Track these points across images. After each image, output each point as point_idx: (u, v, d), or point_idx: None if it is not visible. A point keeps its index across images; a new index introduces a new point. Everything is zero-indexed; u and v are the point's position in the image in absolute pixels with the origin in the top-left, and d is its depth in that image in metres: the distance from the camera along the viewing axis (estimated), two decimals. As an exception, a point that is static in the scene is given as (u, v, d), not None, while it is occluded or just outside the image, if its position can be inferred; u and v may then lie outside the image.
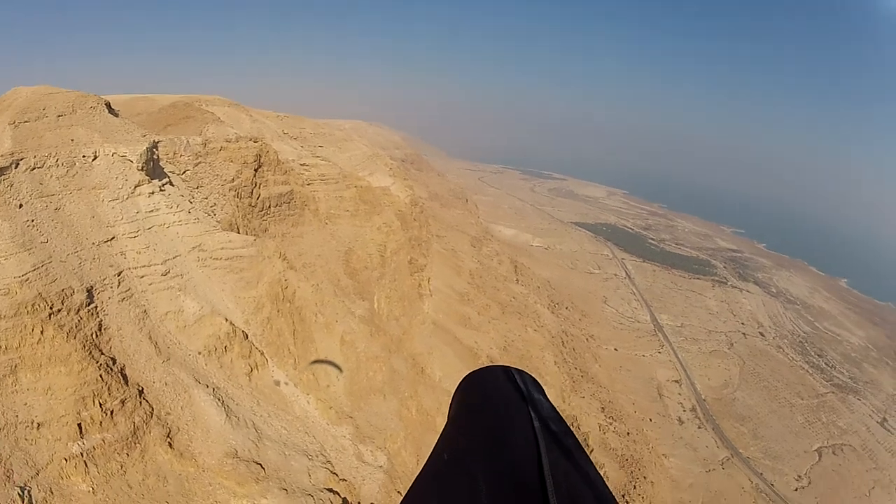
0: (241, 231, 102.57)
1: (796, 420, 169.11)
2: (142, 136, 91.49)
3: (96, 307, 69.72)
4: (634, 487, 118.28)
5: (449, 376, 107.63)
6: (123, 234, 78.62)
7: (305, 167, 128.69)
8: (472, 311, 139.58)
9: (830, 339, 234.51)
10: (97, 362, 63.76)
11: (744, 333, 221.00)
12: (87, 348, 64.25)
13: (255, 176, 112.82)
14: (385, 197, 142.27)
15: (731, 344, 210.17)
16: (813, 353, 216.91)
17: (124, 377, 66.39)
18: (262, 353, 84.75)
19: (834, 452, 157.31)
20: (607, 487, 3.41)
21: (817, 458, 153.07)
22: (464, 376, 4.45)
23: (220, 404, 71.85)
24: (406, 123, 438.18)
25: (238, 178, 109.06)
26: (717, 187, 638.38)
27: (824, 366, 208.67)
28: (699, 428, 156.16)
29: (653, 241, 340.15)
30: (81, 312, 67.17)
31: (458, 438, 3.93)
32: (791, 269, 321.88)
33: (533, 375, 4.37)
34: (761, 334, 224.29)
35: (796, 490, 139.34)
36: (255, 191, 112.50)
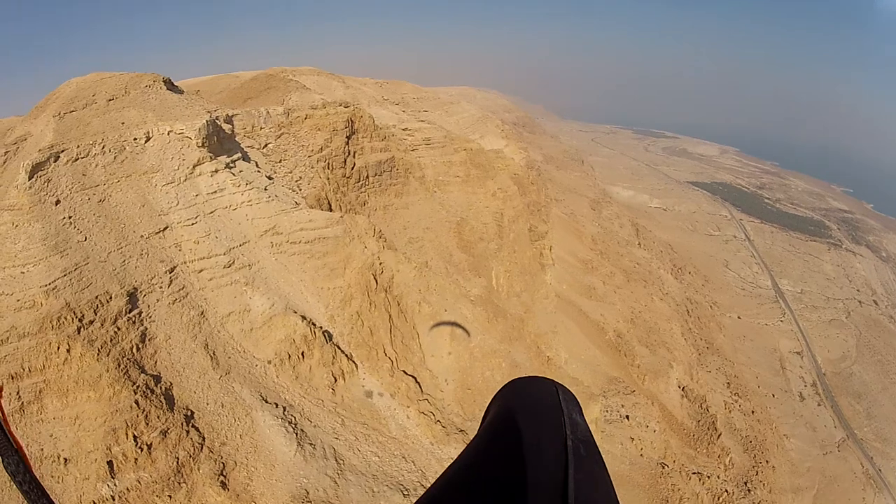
0: (333, 206, 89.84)
1: None
2: (204, 111, 78.13)
3: (140, 313, 56.61)
4: (757, 473, 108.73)
5: (575, 357, 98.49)
6: (179, 223, 65.14)
7: (408, 132, 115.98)
8: (596, 281, 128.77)
9: None
10: (134, 384, 50.97)
11: (859, 301, 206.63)
12: (121, 367, 51.69)
13: (347, 144, 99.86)
14: (498, 160, 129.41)
15: (849, 313, 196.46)
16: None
17: (169, 400, 52.92)
18: (349, 358, 68.49)
19: None
20: None
21: None
22: (506, 383, 4.11)
23: (290, 429, 56.85)
24: (515, 88, 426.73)
25: (328, 146, 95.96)
26: (827, 145, 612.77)
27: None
28: (819, 405, 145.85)
29: (768, 201, 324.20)
30: (119, 322, 54.15)
31: (489, 446, 3.60)
32: None
33: (575, 396, 4.07)
34: (875, 302, 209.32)
35: None
36: (348, 160, 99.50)
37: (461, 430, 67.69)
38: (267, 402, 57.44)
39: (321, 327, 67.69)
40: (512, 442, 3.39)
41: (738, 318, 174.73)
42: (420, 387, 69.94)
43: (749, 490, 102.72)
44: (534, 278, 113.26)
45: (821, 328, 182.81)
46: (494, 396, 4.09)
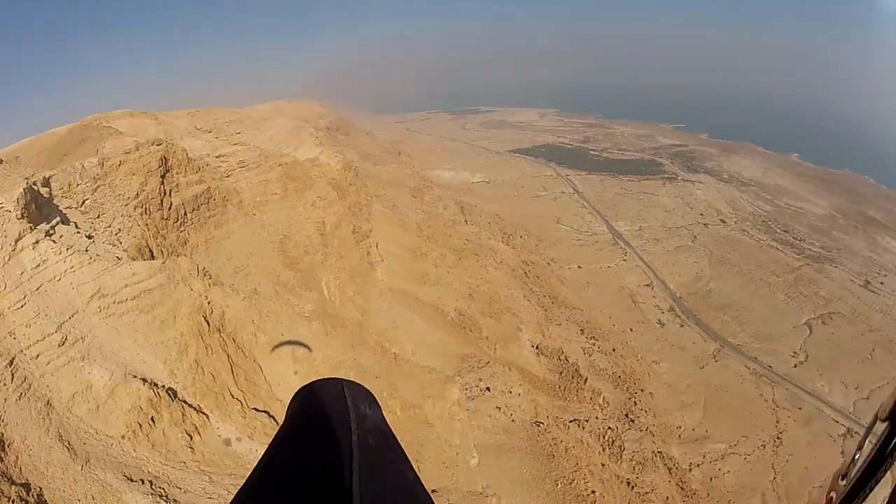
0: (155, 252, 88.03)
1: (777, 298, 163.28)
2: (21, 178, 74.75)
3: (-7, 419, 54.51)
4: (635, 403, 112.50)
5: (421, 346, 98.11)
6: (9, 308, 61.79)
7: (222, 158, 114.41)
8: (428, 266, 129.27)
9: (794, 214, 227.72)
10: (8, 498, 48.83)
11: (705, 224, 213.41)
12: None
13: (163, 183, 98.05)
14: (315, 168, 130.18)
15: (695, 237, 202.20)
16: (779, 230, 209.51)
17: None
18: (198, 411, 66.15)
19: (824, 322, 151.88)
20: (425, 494, 3.54)
21: (808, 332, 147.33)
22: (298, 390, 4.39)
23: (164, 502, 54.50)
24: (332, 94, 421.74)
25: (143, 190, 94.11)
26: (649, 87, 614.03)
27: (793, 240, 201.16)
28: (682, 326, 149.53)
29: (594, 152, 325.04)
30: (-23, 432, 52.18)
31: (279, 457, 3.78)
32: (739, 154, 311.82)
33: (367, 389, 4.44)
34: (722, 221, 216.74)
35: (795, 367, 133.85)
36: (165, 200, 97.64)
37: None
38: (132, 480, 55.55)
39: (164, 386, 65.91)
40: (300, 451, 3.74)
41: (579, 267, 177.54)
42: (275, 419, 69.21)
43: (632, 420, 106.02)
44: (365, 279, 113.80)
45: (666, 257, 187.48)
46: (288, 406, 4.39)
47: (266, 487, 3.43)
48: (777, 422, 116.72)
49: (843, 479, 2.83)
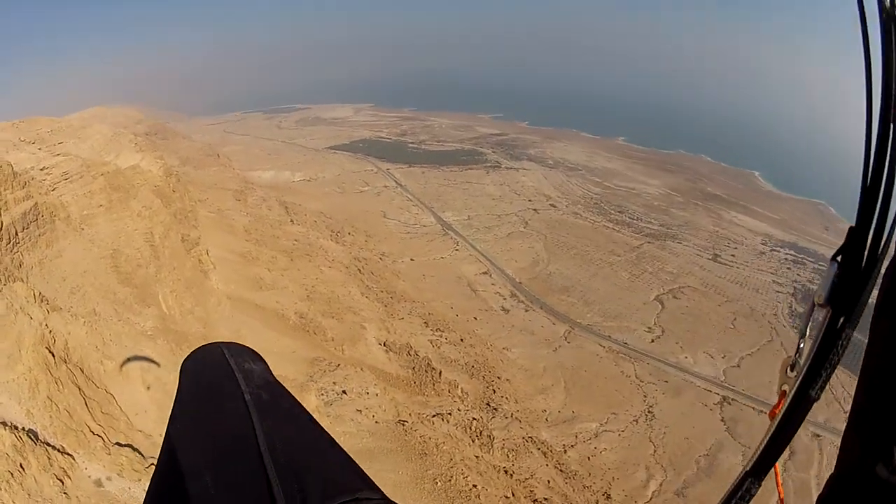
0: None
1: (621, 277, 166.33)
2: None
3: None
4: (494, 391, 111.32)
5: (268, 353, 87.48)
6: None
7: (46, 170, 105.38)
8: (261, 270, 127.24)
9: (626, 195, 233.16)
10: None
11: (535, 209, 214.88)
12: None
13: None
14: (137, 176, 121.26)
15: (526, 222, 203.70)
16: (613, 211, 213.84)
17: None
18: (62, 452, 58.95)
19: (675, 297, 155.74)
20: (334, 444, 3.54)
21: (660, 307, 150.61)
22: (180, 365, 4.31)
23: None
24: (148, 98, 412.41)
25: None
26: (462, 77, 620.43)
27: (629, 220, 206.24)
28: (527, 311, 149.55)
29: (413, 145, 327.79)
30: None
31: (179, 435, 3.71)
32: (562, 140, 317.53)
33: (246, 345, 4.39)
34: (553, 206, 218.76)
35: (653, 341, 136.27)
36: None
37: None
38: None
39: (24, 427, 58.56)
40: (198, 422, 3.58)
41: (412, 260, 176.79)
42: (140, 453, 63.97)
43: (495, 409, 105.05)
44: (201, 288, 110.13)
45: (500, 244, 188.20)
46: (178, 383, 4.07)
47: (175, 471, 3.27)
48: (645, 396, 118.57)
49: (791, 371, 2.79)
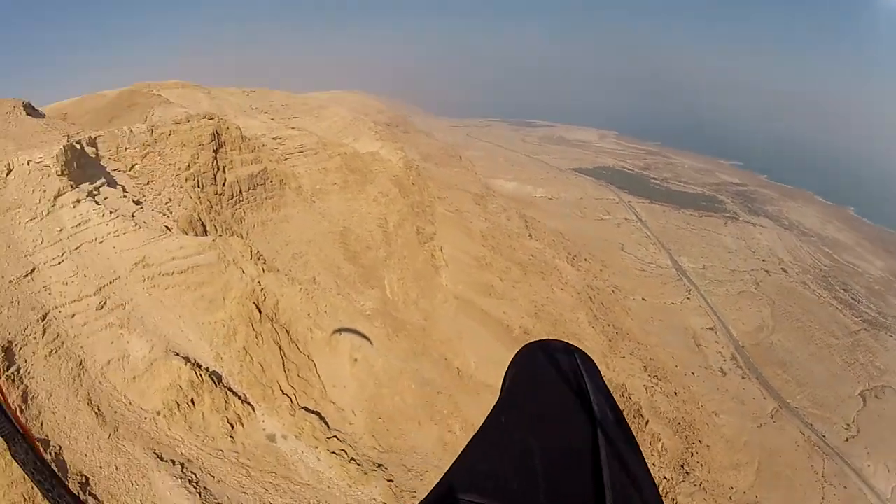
0: (208, 227, 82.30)
1: (836, 363, 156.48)
2: (62, 135, 70.34)
3: (18, 370, 49.19)
4: (692, 455, 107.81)
5: (486, 361, 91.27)
6: (45, 263, 57.40)
7: (279, 140, 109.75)
8: (493, 277, 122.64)
9: (852, 272, 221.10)
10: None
11: (767, 271, 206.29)
12: None
13: (216, 158, 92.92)
14: (375, 163, 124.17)
15: (758, 283, 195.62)
16: (838, 288, 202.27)
17: (61, 466, 45.63)
18: (244, 401, 60.29)
19: (877, 396, 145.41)
20: (656, 487, 3.26)
21: (862, 404, 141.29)
22: (523, 346, 4.26)
23: (192, 488, 48.76)
24: (385, 88, 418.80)
25: (195, 163, 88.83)
26: (710, 119, 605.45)
27: (851, 301, 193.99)
28: (743, 378, 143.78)
29: (655, 181, 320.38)
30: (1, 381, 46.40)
31: (516, 405, 3.84)
32: (798, 200, 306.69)
33: (591, 357, 4.21)
34: (784, 271, 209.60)
35: (847, 440, 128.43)
36: (218, 175, 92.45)
37: (379, 466, 61.38)
38: (163, 459, 50.06)
39: (208, 368, 60.34)
40: (540, 407, 3.58)
41: (643, 299, 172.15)
42: (326, 423, 63.31)
43: (687, 473, 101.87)
44: (429, 282, 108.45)
45: (730, 301, 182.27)
46: (513, 360, 4.05)
47: (506, 437, 3.39)
48: (823, 498, 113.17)
49: None
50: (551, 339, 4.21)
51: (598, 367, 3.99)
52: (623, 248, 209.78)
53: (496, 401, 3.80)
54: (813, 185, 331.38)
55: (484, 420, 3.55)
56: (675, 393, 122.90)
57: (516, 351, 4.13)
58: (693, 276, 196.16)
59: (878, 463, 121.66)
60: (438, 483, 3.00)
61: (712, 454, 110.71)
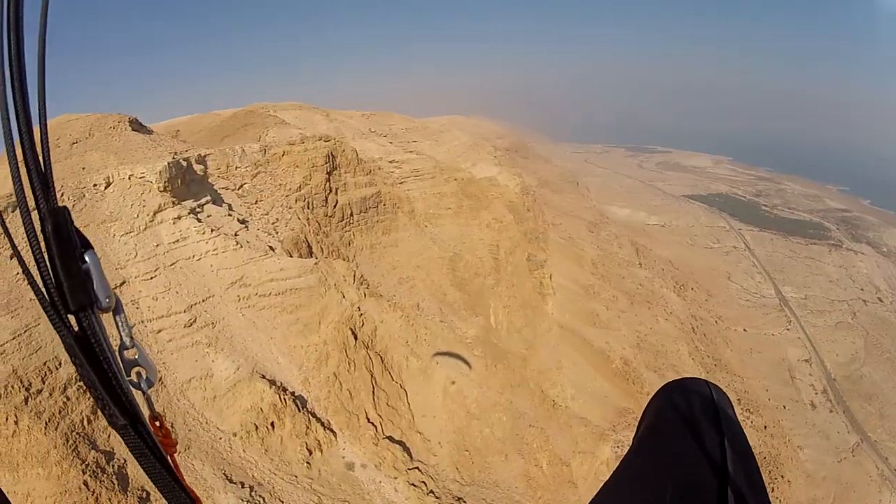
0: (314, 248, 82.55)
1: None
2: (167, 152, 71.71)
3: (94, 380, 49.95)
4: (772, 490, 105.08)
5: (582, 392, 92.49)
6: (137, 277, 58.50)
7: (395, 164, 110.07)
8: (599, 307, 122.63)
9: None
10: (83, 462, 44.43)
11: (864, 301, 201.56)
12: (70, 443, 45.30)
13: (328, 180, 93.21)
14: (492, 188, 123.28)
15: (854, 313, 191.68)
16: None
17: (122, 480, 45.93)
18: (326, 427, 60.23)
19: None
20: None
21: None
22: (665, 384, 4.31)
23: None
24: (504, 113, 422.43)
25: (307, 184, 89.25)
26: (818, 143, 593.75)
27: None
28: (831, 412, 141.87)
29: (766, 208, 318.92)
30: (69, 391, 47.89)
31: (651, 448, 3.86)
32: None
33: (724, 391, 4.24)
34: (879, 300, 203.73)
35: None
36: (330, 197, 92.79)
37: (458, 499, 60.32)
38: (231, 481, 50.51)
39: (293, 392, 60.58)
40: (669, 446, 3.57)
41: (745, 330, 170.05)
42: (409, 453, 62.79)
43: None
44: (535, 311, 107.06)
45: (827, 332, 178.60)
46: (654, 396, 4.12)
47: (638, 482, 3.45)
48: None
49: None
50: (689, 378, 4.35)
51: (730, 400, 4.20)
52: (730, 278, 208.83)
53: (633, 442, 4.01)
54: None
55: (619, 462, 3.75)
56: (765, 427, 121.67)
57: (655, 394, 4.33)
58: (795, 305, 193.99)
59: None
60: None
61: (792, 490, 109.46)
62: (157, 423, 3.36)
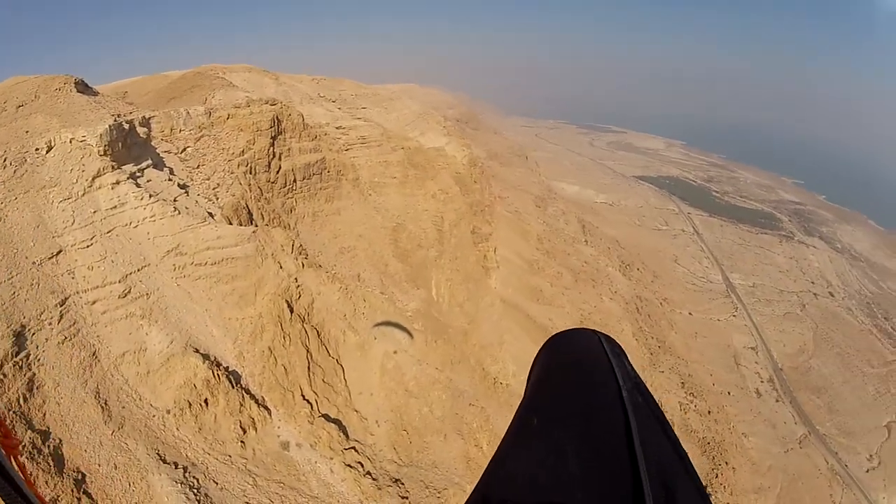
0: (255, 215, 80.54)
1: (868, 391, 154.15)
2: (109, 114, 68.57)
3: (28, 356, 47.67)
4: (717, 476, 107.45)
5: (524, 368, 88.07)
6: (73, 245, 55.82)
7: (342, 130, 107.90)
8: (543, 282, 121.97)
9: (895, 301, 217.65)
10: (20, 444, 41.39)
11: (814, 294, 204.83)
12: (7, 423, 42.54)
13: (273, 145, 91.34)
14: (440, 158, 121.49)
15: (804, 305, 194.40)
16: (880, 316, 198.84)
17: (58, 460, 44.02)
18: (260, 405, 58.54)
19: None
20: (690, 462, 3.21)
21: (887, 435, 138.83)
22: (550, 337, 4.09)
23: (192, 494, 47.19)
24: (458, 84, 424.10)
25: (250, 149, 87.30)
26: (775, 134, 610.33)
27: (891, 330, 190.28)
28: (777, 401, 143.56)
29: (717, 194, 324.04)
30: (6, 368, 45.60)
31: (545, 402, 3.62)
32: (852, 223, 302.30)
33: (617, 341, 4.05)
34: (831, 294, 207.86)
35: (867, 471, 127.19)
36: (273, 163, 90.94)
37: (396, 481, 59.30)
38: (165, 461, 48.58)
39: (227, 367, 58.77)
40: (569, 397, 3.44)
41: (690, 314, 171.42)
42: (345, 433, 61.33)
43: (709, 494, 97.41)
44: (478, 284, 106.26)
45: (775, 322, 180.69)
46: (540, 350, 4.00)
47: (538, 434, 3.25)
48: None
49: None
50: (575, 328, 4.02)
51: (623, 349, 3.84)
52: (677, 261, 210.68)
53: (523, 398, 3.63)
54: (865, 207, 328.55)
55: (512, 420, 3.40)
56: (709, 412, 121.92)
57: (542, 346, 3.98)
58: (742, 293, 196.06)
59: (893, 497, 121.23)
60: (473, 492, 2.98)
61: (736, 477, 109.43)
62: None
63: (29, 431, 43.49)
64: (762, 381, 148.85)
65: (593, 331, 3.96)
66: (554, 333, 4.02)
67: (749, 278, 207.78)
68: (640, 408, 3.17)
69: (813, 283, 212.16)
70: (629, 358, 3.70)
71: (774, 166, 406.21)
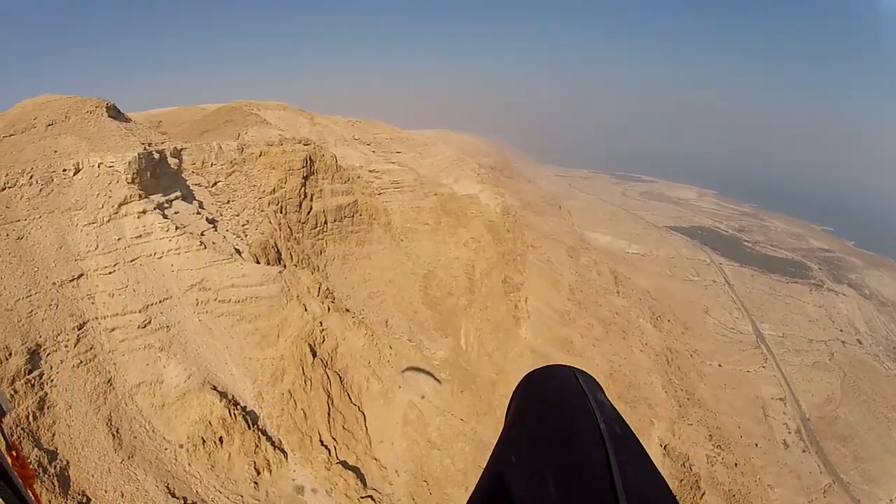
0: (283, 255, 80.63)
1: (892, 437, 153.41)
2: (139, 143, 69.67)
3: (41, 375, 48.34)
4: None
5: None
6: (95, 270, 56.68)
7: (375, 174, 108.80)
8: (573, 333, 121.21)
9: None
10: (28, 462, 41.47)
11: (843, 342, 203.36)
12: (14, 439, 41.98)
13: (304, 185, 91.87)
14: (473, 206, 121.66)
15: (832, 354, 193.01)
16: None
17: (64, 482, 44.09)
18: (276, 447, 58.23)
19: None
20: (672, 495, 3.21)
21: None
22: (525, 375, 4.15)
23: None
24: (496, 129, 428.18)
25: (281, 188, 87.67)
26: (804, 183, 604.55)
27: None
28: (803, 452, 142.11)
29: (748, 244, 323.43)
30: (17, 384, 46.09)
31: (523, 438, 3.58)
32: (881, 269, 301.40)
33: (592, 376, 4.12)
34: (859, 342, 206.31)
35: None
36: (304, 203, 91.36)
37: None
38: (174, 495, 48.25)
39: (245, 407, 58.67)
40: (547, 432, 3.39)
41: (720, 365, 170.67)
42: (363, 481, 60.72)
43: None
44: (507, 334, 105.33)
45: (804, 372, 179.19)
46: (517, 388, 4.00)
47: (518, 468, 3.20)
48: None
49: None
50: (550, 365, 4.02)
51: (599, 383, 3.85)
52: (707, 312, 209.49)
53: (500, 434, 3.61)
54: (893, 251, 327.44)
55: (490, 456, 3.39)
56: (736, 464, 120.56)
57: (519, 383, 3.98)
58: (772, 343, 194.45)
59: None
60: None
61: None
62: (14, 454, 3.44)
63: (36, 449, 43.86)
64: (789, 432, 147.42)
65: (568, 367, 3.99)
66: (530, 371, 4.03)
67: (779, 328, 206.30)
68: (617, 439, 3.18)
69: (841, 330, 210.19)
70: (604, 392, 3.77)
71: (804, 213, 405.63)
